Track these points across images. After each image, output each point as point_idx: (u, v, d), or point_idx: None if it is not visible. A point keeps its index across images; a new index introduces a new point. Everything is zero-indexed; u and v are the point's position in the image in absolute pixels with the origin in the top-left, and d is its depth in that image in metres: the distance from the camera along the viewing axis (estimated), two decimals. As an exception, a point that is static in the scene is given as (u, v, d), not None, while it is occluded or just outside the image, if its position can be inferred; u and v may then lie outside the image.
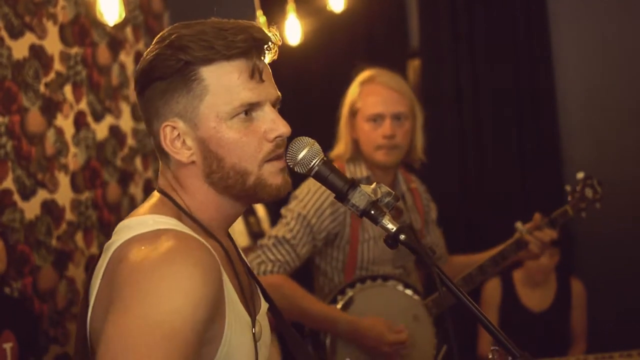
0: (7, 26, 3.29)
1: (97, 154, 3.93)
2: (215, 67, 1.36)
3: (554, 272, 3.96)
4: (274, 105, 1.43)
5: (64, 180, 3.63)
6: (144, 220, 1.35)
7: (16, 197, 3.29)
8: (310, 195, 2.71)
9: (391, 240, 1.39)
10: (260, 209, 4.19)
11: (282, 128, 1.40)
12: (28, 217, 3.35)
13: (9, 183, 3.25)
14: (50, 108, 3.56)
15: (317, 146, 1.44)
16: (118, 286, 1.25)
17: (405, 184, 2.96)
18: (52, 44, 3.61)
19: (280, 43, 1.45)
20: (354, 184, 1.41)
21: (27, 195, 3.36)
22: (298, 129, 1.48)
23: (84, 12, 3.85)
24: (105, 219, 3.95)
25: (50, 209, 3.51)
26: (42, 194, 3.46)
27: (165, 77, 1.37)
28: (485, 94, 4.41)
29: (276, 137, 1.40)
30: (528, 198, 4.36)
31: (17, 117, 3.32)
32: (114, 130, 4.10)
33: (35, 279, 3.38)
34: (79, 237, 3.72)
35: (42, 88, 3.51)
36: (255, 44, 1.38)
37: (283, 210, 2.76)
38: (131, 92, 4.29)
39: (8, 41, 3.29)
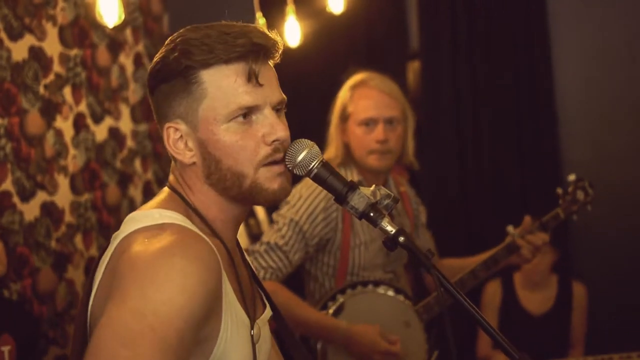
0: (7, 28, 3.29)
1: (97, 155, 3.93)
2: (214, 71, 1.38)
3: (555, 275, 3.95)
4: (277, 109, 1.44)
5: (63, 182, 3.63)
6: (151, 213, 1.38)
7: (15, 199, 3.29)
8: (302, 201, 2.69)
9: (390, 242, 1.39)
10: (260, 211, 4.19)
11: (280, 132, 1.41)
12: (27, 219, 3.35)
13: (8, 185, 3.25)
14: (50, 110, 3.56)
15: (316, 148, 1.44)
16: (119, 276, 1.27)
17: (395, 187, 2.95)
18: (52, 46, 3.61)
19: (282, 47, 1.46)
20: (353, 186, 1.41)
21: (26, 197, 3.36)
22: (297, 131, 1.48)
23: (83, 14, 3.85)
24: (104, 221, 3.95)
25: (49, 210, 3.51)
26: (41, 196, 3.46)
27: (169, 80, 1.40)
28: (484, 96, 4.41)
29: (274, 141, 1.40)
30: (527, 199, 4.36)
31: (16, 118, 3.31)
32: (114, 132, 4.10)
33: (35, 280, 3.38)
34: (78, 239, 3.71)
35: (41, 90, 3.50)
36: (253, 48, 1.39)
37: (274, 216, 2.75)
38: (130, 93, 4.29)
39: (7, 43, 3.29)
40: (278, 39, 1.45)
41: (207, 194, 1.43)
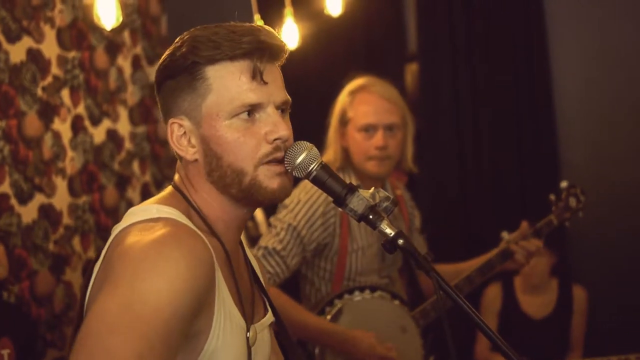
0: (5, 30, 3.28)
1: (95, 158, 3.92)
2: (219, 67, 1.39)
3: (555, 278, 3.95)
4: (281, 109, 1.45)
5: (61, 184, 3.63)
6: (149, 208, 1.39)
7: (13, 201, 3.29)
8: (301, 206, 2.68)
9: (389, 245, 1.39)
10: (258, 214, 4.18)
11: (282, 131, 1.41)
12: (25, 221, 3.35)
13: (6, 187, 3.25)
14: (48, 112, 3.55)
15: (315, 150, 1.44)
16: (110, 267, 1.28)
17: (392, 191, 2.95)
18: (50, 48, 3.61)
19: (288, 49, 1.47)
20: (352, 188, 1.41)
21: (24, 199, 3.36)
22: (295, 134, 1.48)
23: (81, 16, 3.85)
24: (102, 223, 3.94)
25: (47, 213, 3.50)
26: (39, 198, 3.45)
27: (175, 76, 1.41)
28: (483, 98, 4.42)
29: (275, 139, 1.41)
30: (526, 201, 4.36)
31: (14, 121, 3.31)
32: (112, 134, 4.10)
33: (33, 283, 3.37)
34: (76, 242, 3.71)
35: (39, 92, 3.50)
36: (259, 46, 1.40)
37: (272, 220, 2.74)
38: (128, 95, 4.28)
39: (5, 45, 3.29)
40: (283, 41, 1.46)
41: (209, 192, 1.44)
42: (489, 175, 4.42)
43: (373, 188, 1.43)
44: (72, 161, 3.73)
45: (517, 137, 4.39)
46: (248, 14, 3.51)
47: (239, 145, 1.39)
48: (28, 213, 3.37)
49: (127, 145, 4.26)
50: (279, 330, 1.65)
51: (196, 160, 1.43)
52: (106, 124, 4.06)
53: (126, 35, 4.33)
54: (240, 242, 1.57)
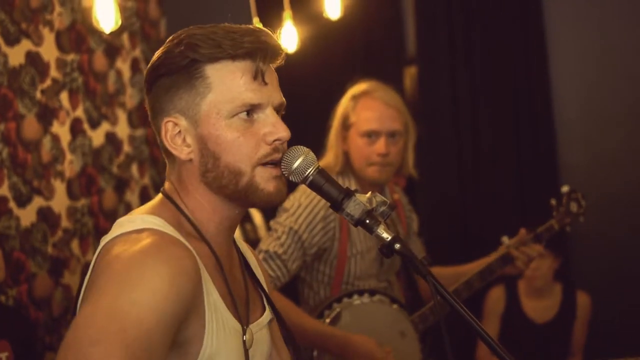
0: (3, 33, 3.28)
1: (93, 160, 3.93)
2: (220, 66, 1.38)
3: (559, 283, 3.95)
4: (277, 111, 1.44)
5: (59, 187, 3.63)
6: (135, 219, 1.39)
7: (12, 204, 3.29)
8: (302, 210, 2.68)
9: (386, 249, 1.39)
10: (257, 216, 4.18)
11: (282, 132, 1.41)
12: (24, 224, 3.35)
13: (4, 190, 3.25)
14: (46, 115, 3.56)
15: (312, 155, 1.43)
16: (95, 278, 1.28)
17: (389, 195, 2.95)
18: (49, 51, 3.61)
19: (285, 51, 1.47)
20: (349, 193, 1.41)
21: (22, 202, 3.35)
22: (292, 137, 1.47)
23: (80, 19, 3.85)
24: (101, 226, 3.94)
25: (46, 216, 3.50)
26: (37, 201, 3.45)
27: (171, 74, 1.39)
28: (482, 102, 4.42)
29: (275, 140, 1.41)
30: (526, 205, 4.36)
31: (13, 124, 3.31)
32: (110, 137, 4.10)
33: (31, 286, 3.37)
34: (74, 245, 3.71)
35: (38, 95, 3.50)
36: (261, 47, 1.39)
37: (273, 224, 2.73)
38: (127, 98, 4.28)
39: (4, 48, 3.29)
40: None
41: (202, 193, 1.43)
42: (488, 178, 4.42)
43: (370, 192, 1.43)
44: (70, 164, 3.73)
45: (516, 140, 4.40)
46: (247, 17, 3.51)
47: (237, 145, 1.38)
48: (27, 216, 3.37)
49: (126, 148, 4.26)
50: (280, 327, 1.65)
51: (191, 160, 1.41)
52: (105, 126, 4.06)
53: (125, 38, 4.34)
54: (234, 241, 1.56)
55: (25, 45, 3.44)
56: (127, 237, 1.33)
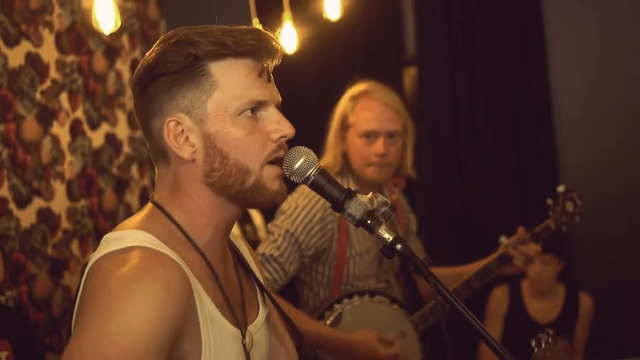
0: (3, 34, 3.28)
1: (93, 162, 3.92)
2: (224, 64, 1.37)
3: (562, 285, 3.95)
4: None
5: (59, 188, 3.62)
6: (122, 235, 1.36)
7: (12, 205, 3.28)
8: (299, 212, 2.67)
9: (387, 250, 1.39)
10: (256, 217, 4.18)
11: (287, 129, 1.41)
12: (24, 225, 3.35)
13: (4, 191, 3.24)
14: (46, 116, 3.55)
15: (313, 155, 1.43)
16: (84, 301, 1.28)
17: (388, 196, 2.95)
18: (48, 52, 3.61)
19: (285, 50, 1.47)
20: (350, 193, 1.41)
21: (22, 203, 3.35)
22: (292, 137, 1.47)
23: (80, 20, 3.85)
24: (101, 227, 3.94)
25: (45, 217, 3.50)
26: (37, 202, 3.45)
27: (172, 72, 1.37)
28: (481, 102, 4.42)
29: (280, 138, 1.41)
30: (525, 205, 4.36)
31: (12, 125, 3.31)
32: (110, 138, 4.10)
33: (31, 287, 3.37)
34: (74, 246, 3.71)
35: (38, 96, 3.50)
36: (263, 44, 1.39)
37: (270, 226, 2.73)
38: (127, 99, 4.28)
39: (4, 49, 3.29)
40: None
41: (203, 195, 1.40)
42: (488, 178, 4.43)
43: (371, 193, 1.43)
44: (70, 165, 3.72)
45: (516, 140, 4.40)
46: (246, 18, 3.52)
47: (246, 143, 1.37)
48: (26, 217, 3.37)
49: (126, 149, 4.26)
50: (286, 322, 1.64)
51: (194, 160, 1.38)
52: (105, 128, 4.06)
53: (125, 39, 4.34)
54: (230, 241, 1.55)
55: (25, 46, 3.44)
56: (114, 257, 1.31)
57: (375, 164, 2.73)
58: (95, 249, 3.99)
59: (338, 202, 1.41)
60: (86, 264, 1.36)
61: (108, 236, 1.38)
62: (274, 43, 1.42)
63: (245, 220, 4.04)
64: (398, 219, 2.98)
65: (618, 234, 4.24)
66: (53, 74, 3.63)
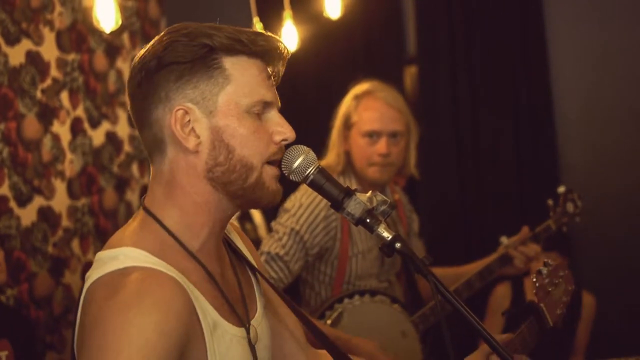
0: (4, 32, 3.28)
1: (94, 160, 3.93)
2: (237, 60, 1.38)
3: None
4: None
5: (60, 186, 3.63)
6: (116, 255, 1.33)
7: (12, 203, 3.29)
8: (303, 210, 2.67)
9: (387, 248, 1.39)
10: (257, 216, 4.18)
11: (289, 133, 1.42)
12: (24, 223, 3.35)
13: (5, 189, 3.25)
14: (47, 114, 3.56)
15: (312, 154, 1.43)
16: (84, 335, 1.27)
17: (390, 195, 2.95)
18: (49, 51, 3.61)
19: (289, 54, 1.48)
20: (349, 192, 1.40)
21: (23, 201, 3.36)
22: (293, 136, 1.48)
23: (80, 19, 3.86)
24: (101, 225, 3.94)
25: (46, 215, 3.50)
26: (38, 201, 3.45)
27: (183, 62, 1.36)
28: (482, 101, 4.42)
29: (282, 140, 1.41)
30: (526, 205, 4.36)
31: (13, 123, 3.31)
32: (111, 137, 4.10)
33: (32, 285, 3.37)
34: (75, 244, 3.71)
35: (38, 94, 3.50)
36: (273, 47, 1.41)
37: (274, 225, 2.72)
38: (128, 98, 4.28)
39: (4, 47, 3.29)
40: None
41: (202, 191, 1.39)
42: (488, 178, 4.42)
43: (370, 192, 1.42)
44: (71, 163, 3.73)
45: (516, 140, 4.39)
46: (247, 17, 3.52)
47: (252, 140, 1.37)
48: (27, 215, 3.37)
49: (127, 147, 4.26)
50: (291, 309, 1.63)
51: (196, 152, 1.37)
52: (105, 126, 4.06)
53: (125, 37, 4.34)
54: (226, 236, 1.55)
55: (26, 44, 3.44)
56: (110, 281, 1.29)
57: (377, 164, 2.73)
58: (95, 247, 4.00)
59: (337, 200, 1.41)
60: (87, 263, 1.36)
61: (102, 255, 1.36)
62: (283, 49, 1.43)
63: (245, 218, 4.04)
64: (400, 218, 2.97)
65: (618, 233, 4.24)
66: (54, 72, 3.63)
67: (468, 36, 4.41)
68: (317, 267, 2.77)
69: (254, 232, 4.03)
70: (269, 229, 2.78)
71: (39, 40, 3.53)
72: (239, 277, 1.53)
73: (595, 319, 3.97)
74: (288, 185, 1.49)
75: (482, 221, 4.42)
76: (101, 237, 3.90)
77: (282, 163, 1.42)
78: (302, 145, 1.44)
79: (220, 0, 4.44)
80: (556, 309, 1.92)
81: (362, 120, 2.75)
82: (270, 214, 2.84)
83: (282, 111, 1.50)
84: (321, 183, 1.42)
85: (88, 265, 3.80)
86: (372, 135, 2.73)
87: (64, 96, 3.71)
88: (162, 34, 1.42)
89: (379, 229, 1.39)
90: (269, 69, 1.42)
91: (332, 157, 2.81)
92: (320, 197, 2.63)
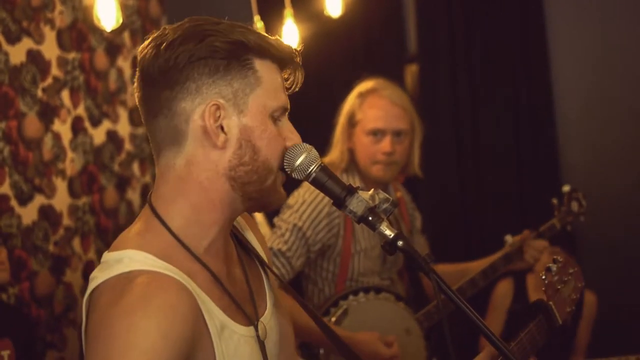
0: (5, 31, 3.29)
1: (95, 159, 3.93)
2: (265, 63, 1.40)
3: None
4: None
5: (61, 185, 3.63)
6: (121, 257, 1.33)
7: (13, 202, 3.29)
8: (306, 206, 2.67)
9: (389, 246, 1.39)
10: (258, 214, 4.18)
11: (298, 140, 1.44)
12: (25, 222, 3.35)
13: (6, 188, 3.25)
14: (48, 113, 3.56)
15: (314, 152, 1.43)
16: (89, 340, 1.27)
17: (393, 193, 2.95)
18: (50, 49, 3.61)
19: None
20: (351, 190, 1.40)
21: (24, 200, 3.36)
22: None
23: (81, 18, 3.86)
24: (102, 224, 3.94)
25: (47, 214, 3.50)
26: (39, 199, 3.46)
27: (220, 58, 1.35)
28: (482, 99, 4.42)
29: None
30: (526, 204, 4.36)
31: (14, 122, 3.31)
32: (112, 135, 4.10)
33: (33, 284, 3.37)
34: (76, 243, 3.71)
35: (39, 93, 3.50)
36: (293, 56, 1.46)
37: (277, 221, 2.72)
38: (129, 96, 4.28)
39: (5, 46, 3.29)
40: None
41: (219, 189, 1.38)
42: (489, 177, 4.42)
43: (372, 189, 1.42)
44: (72, 162, 3.73)
45: (516, 139, 4.40)
46: (248, 15, 3.52)
47: (275, 143, 1.39)
48: (28, 214, 3.37)
49: (127, 146, 4.26)
50: (302, 305, 1.63)
51: (222, 149, 1.36)
52: (106, 125, 4.06)
53: (126, 36, 4.34)
54: (232, 232, 1.54)
55: (27, 43, 3.44)
56: (115, 284, 1.28)
57: (381, 162, 2.73)
58: (96, 246, 4.00)
59: (339, 198, 1.41)
60: (88, 262, 1.36)
61: (107, 257, 1.35)
62: (298, 57, 1.47)
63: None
64: (402, 216, 2.97)
65: (619, 233, 4.24)
66: (54, 71, 3.63)
67: (469, 35, 4.41)
68: (319, 264, 2.77)
69: (254, 230, 4.03)
70: (272, 225, 2.78)
71: (39, 39, 3.53)
72: (247, 273, 1.52)
73: (596, 317, 3.97)
74: (291, 182, 1.49)
75: (482, 221, 4.42)
76: (102, 236, 3.91)
77: (285, 161, 1.42)
78: (304, 143, 1.44)
79: (221, -1, 4.44)
80: (565, 306, 1.92)
81: (366, 118, 2.75)
82: (271, 212, 2.84)
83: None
84: (323, 181, 1.42)
85: (89, 264, 3.81)
86: (377, 134, 2.73)
87: (65, 95, 3.71)
88: (184, 23, 1.42)
89: (381, 227, 1.38)
90: (296, 75, 1.47)
91: (335, 154, 2.81)
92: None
